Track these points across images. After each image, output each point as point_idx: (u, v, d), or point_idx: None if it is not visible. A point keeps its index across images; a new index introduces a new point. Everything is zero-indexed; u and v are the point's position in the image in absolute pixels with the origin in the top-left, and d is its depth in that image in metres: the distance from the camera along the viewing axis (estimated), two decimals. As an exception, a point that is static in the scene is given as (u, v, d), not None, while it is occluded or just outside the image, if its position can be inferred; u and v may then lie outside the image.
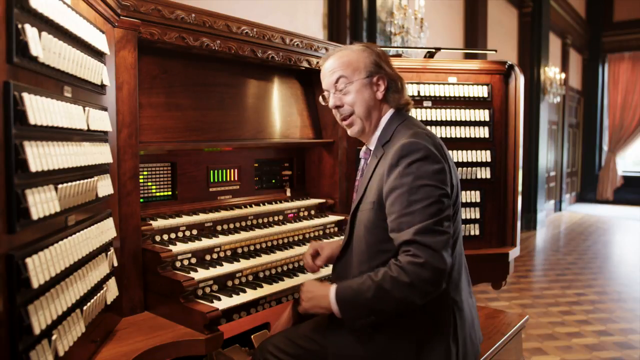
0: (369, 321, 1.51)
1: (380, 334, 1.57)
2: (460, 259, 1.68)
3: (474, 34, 7.46)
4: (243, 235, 2.12)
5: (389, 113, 1.74)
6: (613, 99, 13.11)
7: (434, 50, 3.07)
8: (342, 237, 1.95)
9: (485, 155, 2.92)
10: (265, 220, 2.36)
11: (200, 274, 1.82)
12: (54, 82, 1.24)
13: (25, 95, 1.05)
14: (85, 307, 1.34)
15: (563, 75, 10.30)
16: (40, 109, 1.10)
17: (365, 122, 1.75)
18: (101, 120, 1.52)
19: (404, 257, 1.46)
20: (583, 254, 7.22)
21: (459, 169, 2.86)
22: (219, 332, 1.65)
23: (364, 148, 1.83)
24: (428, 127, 2.74)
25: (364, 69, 1.71)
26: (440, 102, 2.91)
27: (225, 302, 1.76)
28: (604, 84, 13.28)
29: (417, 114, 2.85)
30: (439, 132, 2.87)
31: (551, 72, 9.51)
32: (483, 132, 2.93)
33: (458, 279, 1.65)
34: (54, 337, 1.14)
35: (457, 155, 2.89)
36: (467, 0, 7.54)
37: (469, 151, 2.91)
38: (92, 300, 1.39)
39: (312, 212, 2.63)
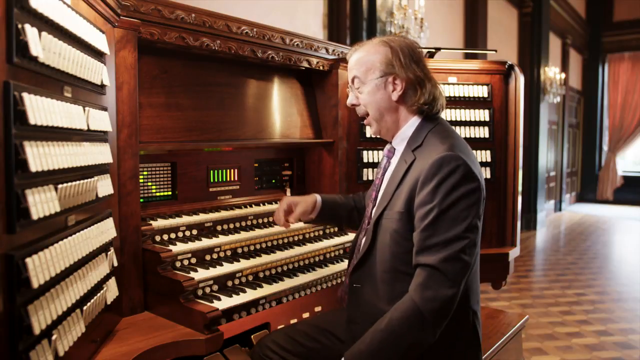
0: None
1: None
2: (477, 267, 1.62)
3: (474, 34, 7.46)
4: (243, 235, 2.12)
5: (415, 117, 1.64)
6: (613, 99, 13.11)
7: (434, 50, 3.07)
8: (314, 195, 1.96)
9: (485, 156, 2.92)
10: (265, 220, 2.36)
11: (200, 274, 1.82)
12: (54, 82, 1.23)
13: (25, 95, 1.05)
14: (85, 307, 1.34)
15: (563, 75, 10.30)
16: (40, 109, 1.10)
17: (379, 124, 1.67)
18: (101, 120, 1.52)
19: (417, 292, 1.40)
20: (583, 254, 7.22)
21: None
22: (219, 332, 1.65)
23: (387, 146, 1.75)
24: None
25: (378, 69, 1.62)
26: (440, 102, 2.91)
27: (225, 302, 1.76)
28: (604, 84, 13.29)
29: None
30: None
31: (551, 72, 9.51)
32: (483, 132, 2.93)
33: (476, 289, 1.60)
34: (54, 337, 1.14)
35: (457, 155, 2.89)
36: (467, 0, 7.54)
37: (469, 151, 2.91)
38: (92, 300, 1.39)
39: (312, 212, 2.62)
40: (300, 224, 2.39)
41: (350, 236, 2.48)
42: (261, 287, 1.94)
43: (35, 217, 1.05)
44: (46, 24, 1.16)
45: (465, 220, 1.42)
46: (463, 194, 1.43)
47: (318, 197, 1.98)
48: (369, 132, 2.72)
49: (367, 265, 1.64)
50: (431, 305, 1.37)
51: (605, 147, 13.52)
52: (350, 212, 2.03)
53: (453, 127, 1.69)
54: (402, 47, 1.63)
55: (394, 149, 1.71)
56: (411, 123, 1.65)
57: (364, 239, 1.71)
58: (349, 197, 2.09)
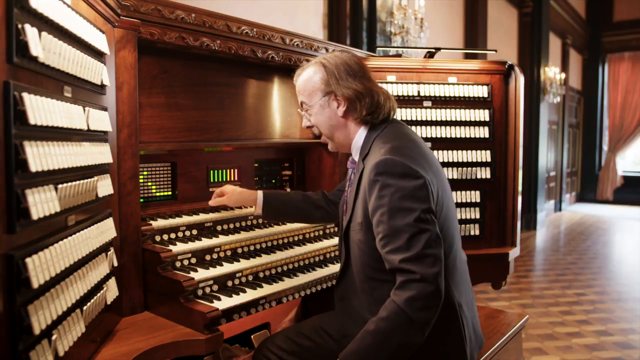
0: None
1: None
2: (457, 261, 1.65)
3: (474, 34, 7.46)
4: (243, 235, 2.12)
5: (363, 127, 1.70)
6: (613, 99, 13.11)
7: (434, 50, 3.07)
8: (256, 192, 2.08)
9: (485, 155, 2.92)
10: (265, 220, 2.36)
11: (200, 274, 1.82)
12: (54, 82, 1.24)
13: (25, 95, 1.05)
14: (85, 307, 1.34)
15: (563, 75, 10.30)
16: (40, 109, 1.10)
17: (332, 141, 1.77)
18: (101, 120, 1.52)
19: (397, 295, 1.41)
20: (583, 254, 7.22)
21: (459, 169, 2.86)
22: (219, 332, 1.65)
23: (350, 158, 1.82)
24: (428, 127, 2.80)
25: (319, 90, 1.70)
26: (440, 102, 2.91)
27: (225, 302, 1.76)
28: (604, 84, 13.29)
29: (417, 114, 2.85)
30: (439, 132, 2.87)
31: (551, 72, 9.51)
32: (483, 132, 2.93)
33: (459, 281, 1.64)
34: (54, 337, 1.14)
35: (457, 155, 2.89)
36: (467, 0, 7.54)
37: (469, 151, 2.91)
38: (92, 300, 1.39)
39: (312, 212, 2.62)
40: (303, 224, 2.39)
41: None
42: (261, 287, 1.94)
43: (35, 217, 1.05)
44: (46, 24, 1.16)
45: (416, 215, 1.43)
46: (407, 193, 1.45)
47: (260, 193, 2.07)
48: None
49: (348, 277, 1.71)
50: (413, 304, 1.39)
51: (605, 147, 13.51)
52: (309, 208, 2.13)
53: (409, 126, 1.75)
54: (337, 65, 1.69)
55: (355, 161, 1.77)
56: (360, 134, 1.71)
57: (341, 251, 1.76)
58: (317, 193, 2.17)
